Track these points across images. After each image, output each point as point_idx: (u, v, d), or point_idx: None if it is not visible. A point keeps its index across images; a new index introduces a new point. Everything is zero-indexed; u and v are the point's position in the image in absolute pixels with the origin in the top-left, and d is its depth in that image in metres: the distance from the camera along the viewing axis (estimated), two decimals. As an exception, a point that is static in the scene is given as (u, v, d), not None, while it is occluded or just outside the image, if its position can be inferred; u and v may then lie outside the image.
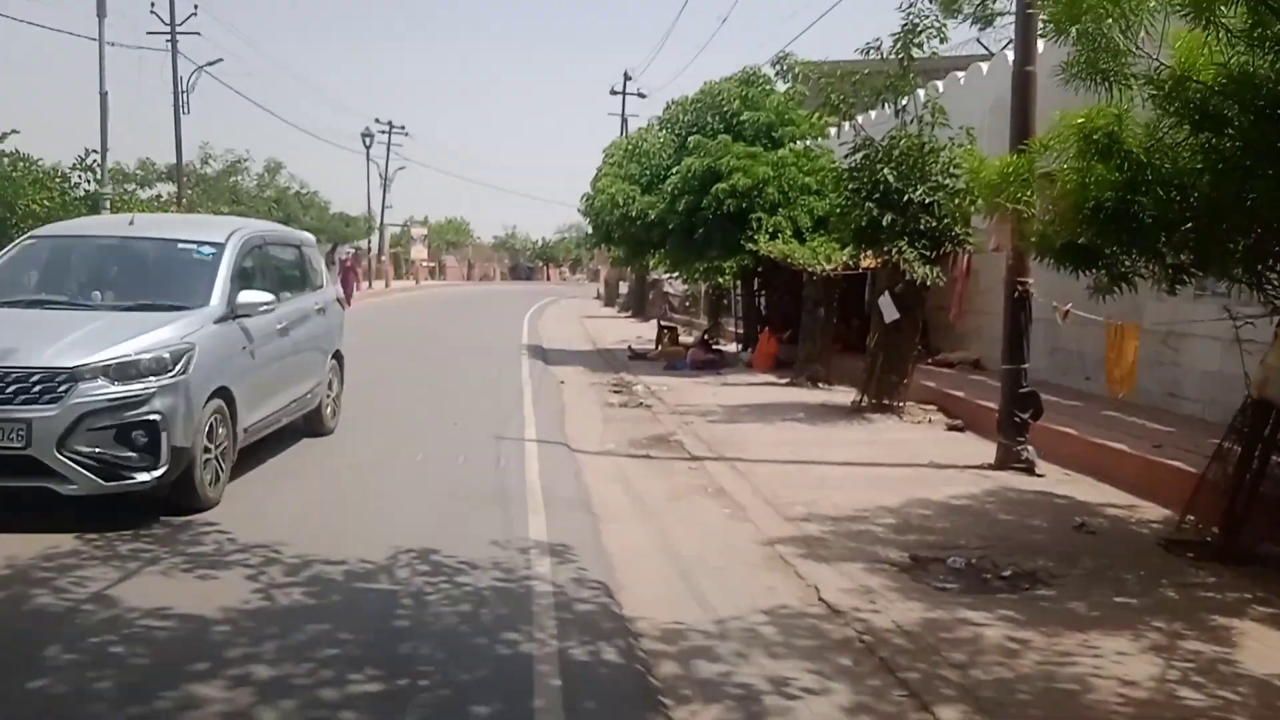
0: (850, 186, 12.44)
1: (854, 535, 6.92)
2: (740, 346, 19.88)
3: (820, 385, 15.29)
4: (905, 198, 11.74)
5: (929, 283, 11.93)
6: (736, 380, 16.30)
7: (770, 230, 16.35)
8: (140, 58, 30.78)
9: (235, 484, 7.44)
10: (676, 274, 21.08)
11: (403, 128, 58.78)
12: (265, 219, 32.07)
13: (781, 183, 16.57)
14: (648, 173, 18.14)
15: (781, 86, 18.28)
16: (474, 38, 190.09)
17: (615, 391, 14.73)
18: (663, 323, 22.09)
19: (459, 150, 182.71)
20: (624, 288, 40.31)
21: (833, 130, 18.94)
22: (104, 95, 19.29)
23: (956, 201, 11.87)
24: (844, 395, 14.28)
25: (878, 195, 11.93)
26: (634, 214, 17.50)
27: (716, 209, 16.51)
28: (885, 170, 11.73)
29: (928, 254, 11.95)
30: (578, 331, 27.48)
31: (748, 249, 16.34)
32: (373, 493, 7.81)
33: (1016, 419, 9.23)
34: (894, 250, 11.79)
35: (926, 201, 11.77)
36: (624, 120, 42.80)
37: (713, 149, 16.74)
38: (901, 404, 12.33)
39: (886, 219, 11.73)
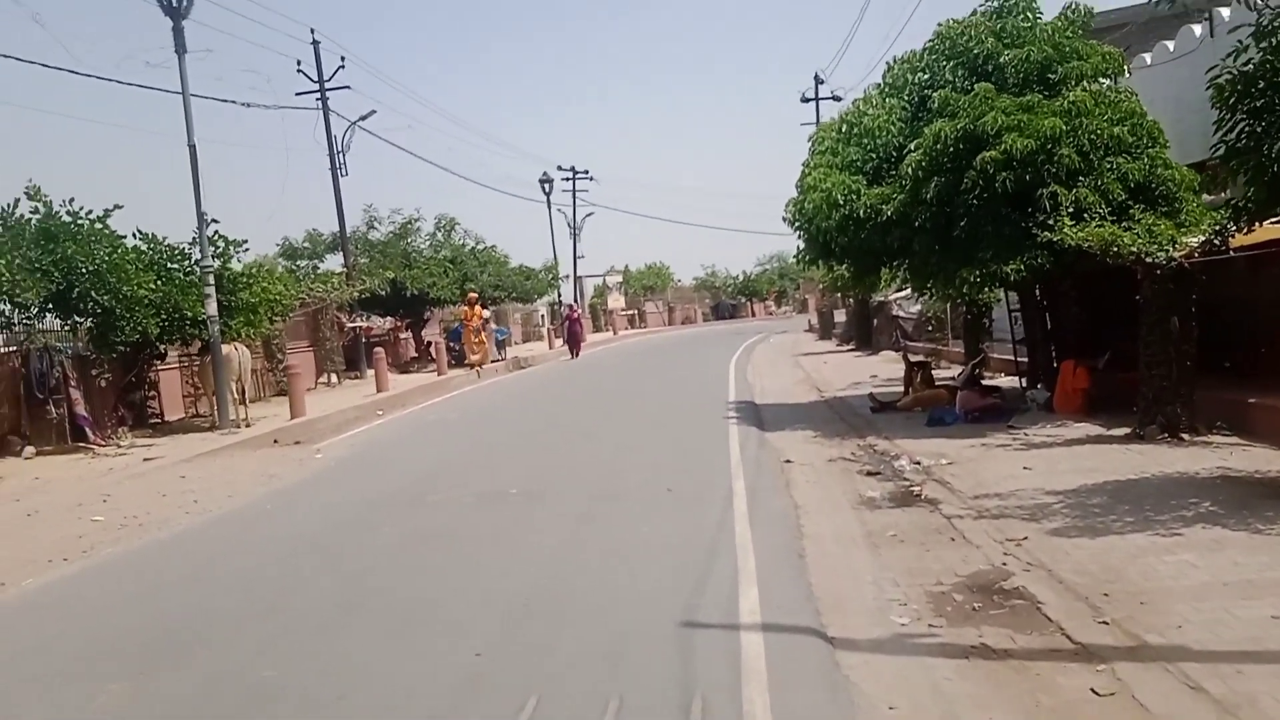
0: (1253, 105, 7.17)
1: None
2: (1025, 381, 14.45)
3: (1184, 436, 9.89)
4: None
5: None
6: (1042, 436, 11.03)
7: (1070, 209, 11.08)
8: (282, 118, 28.88)
9: None
10: (920, 293, 15.86)
11: (586, 172, 56.48)
12: (439, 280, 29.64)
13: (1080, 139, 11.25)
14: (874, 156, 13.17)
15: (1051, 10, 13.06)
16: (649, 71, 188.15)
17: (870, 473, 9.83)
18: (911, 358, 16.89)
19: (649, 192, 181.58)
20: (839, 316, 35.01)
21: (1148, 57, 13.53)
22: (193, 148, 16.46)
23: None
24: (1235, 454, 8.88)
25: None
26: (861, 213, 12.54)
27: (984, 190, 11.37)
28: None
29: None
30: (795, 375, 22.52)
31: (1040, 241, 11.11)
32: None
33: None
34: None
35: None
36: (820, 129, 37.72)
37: (968, 105, 11.65)
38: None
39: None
